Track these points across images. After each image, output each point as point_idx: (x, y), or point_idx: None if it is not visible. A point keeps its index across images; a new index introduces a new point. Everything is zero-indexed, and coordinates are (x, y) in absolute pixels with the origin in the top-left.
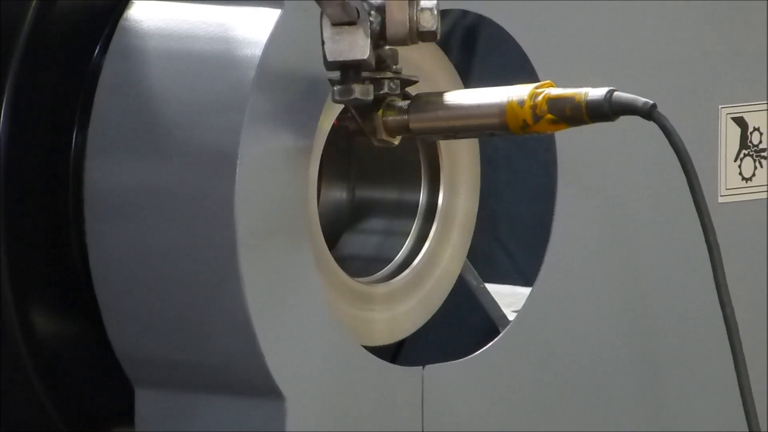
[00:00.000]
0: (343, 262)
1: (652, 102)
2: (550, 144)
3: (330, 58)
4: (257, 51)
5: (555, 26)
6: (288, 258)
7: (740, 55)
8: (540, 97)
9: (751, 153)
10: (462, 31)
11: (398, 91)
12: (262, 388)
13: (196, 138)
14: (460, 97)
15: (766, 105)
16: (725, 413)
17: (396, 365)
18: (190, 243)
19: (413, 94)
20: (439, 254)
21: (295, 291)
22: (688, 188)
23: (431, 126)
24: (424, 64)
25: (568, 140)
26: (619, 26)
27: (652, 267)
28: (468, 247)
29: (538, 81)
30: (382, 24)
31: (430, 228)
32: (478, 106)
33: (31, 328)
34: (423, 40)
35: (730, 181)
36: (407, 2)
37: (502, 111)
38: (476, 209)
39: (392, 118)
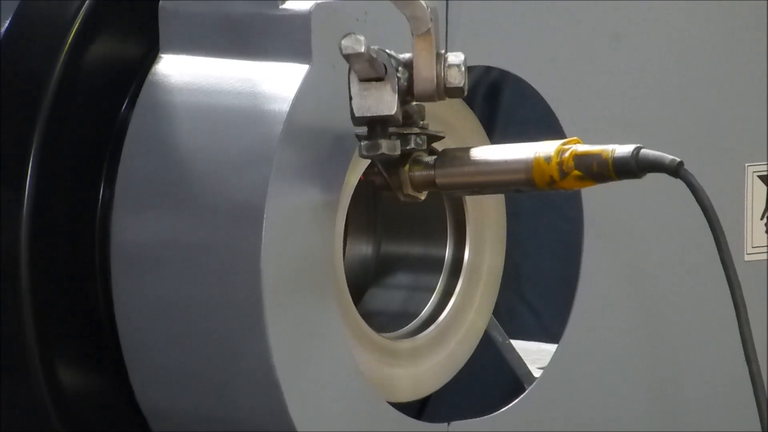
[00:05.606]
0: (369, 317)
1: (679, 159)
2: (576, 200)
3: (357, 114)
4: (284, 106)
5: (581, 83)
6: (313, 313)
7: (767, 113)
8: (567, 154)
9: None
10: (486, 87)
11: (425, 147)
12: None
13: (223, 193)
14: (487, 152)
15: None
16: None
17: (421, 421)
18: (216, 298)
19: (439, 149)
20: (465, 310)
21: (321, 346)
22: (714, 246)
23: (457, 181)
24: (450, 119)
25: (594, 197)
26: (646, 83)
27: (678, 325)
28: (494, 303)
29: (564, 137)
30: (410, 80)
31: (456, 283)
32: (505, 162)
33: (56, 381)
34: (450, 96)
35: (757, 239)
36: (434, 58)
37: (529, 167)
38: (502, 265)
39: (419, 173)
